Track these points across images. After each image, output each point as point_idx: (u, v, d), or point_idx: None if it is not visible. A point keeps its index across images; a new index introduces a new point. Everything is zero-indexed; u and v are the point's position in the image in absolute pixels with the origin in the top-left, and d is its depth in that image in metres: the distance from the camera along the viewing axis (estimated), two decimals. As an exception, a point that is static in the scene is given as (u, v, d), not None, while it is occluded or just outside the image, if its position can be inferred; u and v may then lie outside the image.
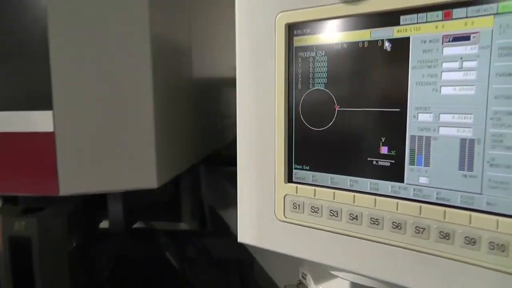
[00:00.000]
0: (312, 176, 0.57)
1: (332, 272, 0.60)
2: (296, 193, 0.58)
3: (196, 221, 1.37)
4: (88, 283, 1.00)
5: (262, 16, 0.59)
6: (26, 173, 0.76)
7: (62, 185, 0.75)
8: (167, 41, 0.87)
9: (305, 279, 0.68)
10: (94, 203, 0.96)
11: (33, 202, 0.86)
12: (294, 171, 0.59)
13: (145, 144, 0.77)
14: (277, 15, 0.58)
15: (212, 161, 1.21)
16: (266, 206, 0.61)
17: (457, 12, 0.46)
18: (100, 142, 0.76)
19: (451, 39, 0.46)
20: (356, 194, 0.53)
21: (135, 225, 1.13)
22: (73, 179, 0.75)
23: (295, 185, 0.58)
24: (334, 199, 0.54)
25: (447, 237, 0.47)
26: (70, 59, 0.74)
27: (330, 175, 0.56)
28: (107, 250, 1.31)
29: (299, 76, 0.57)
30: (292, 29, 0.58)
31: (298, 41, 0.57)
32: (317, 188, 0.56)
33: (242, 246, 1.01)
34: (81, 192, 0.77)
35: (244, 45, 0.62)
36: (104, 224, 1.02)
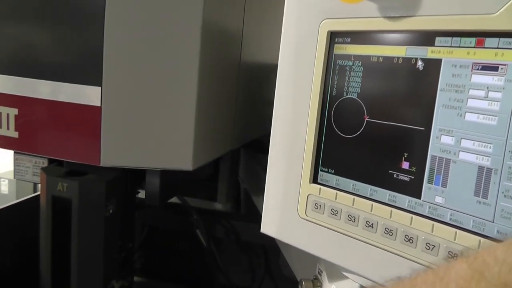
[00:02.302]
0: (336, 180, 0.60)
1: (344, 273, 0.64)
2: (319, 194, 0.61)
3: (230, 203, 1.42)
4: (122, 248, 1.06)
5: (307, 21, 0.62)
6: (72, 141, 0.82)
7: (103, 157, 0.80)
8: (219, 26, 0.90)
9: (320, 275, 0.72)
10: (134, 174, 1.01)
11: (77, 166, 0.91)
12: (319, 173, 0.61)
13: (185, 126, 0.81)
14: (321, 21, 0.60)
15: (253, 147, 1.25)
16: (290, 202, 0.64)
17: (489, 41, 0.48)
18: (142, 120, 0.80)
19: (480, 68, 0.48)
20: (374, 203, 0.55)
21: (171, 200, 1.17)
22: (114, 153, 0.80)
23: (319, 186, 0.61)
24: (353, 204, 0.57)
25: (455, 258, 0.49)
26: (122, 39, 0.78)
27: (352, 181, 0.58)
28: (141, 219, 1.38)
29: (335, 83, 0.60)
30: (333, 37, 0.60)
31: (338, 49, 0.60)
32: (338, 192, 0.59)
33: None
34: (120, 165, 0.82)
35: (288, 46, 0.65)
36: (142, 195, 1.07)
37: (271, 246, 1.24)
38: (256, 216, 1.24)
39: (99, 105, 0.79)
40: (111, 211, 0.94)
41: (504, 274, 0.26)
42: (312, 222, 0.62)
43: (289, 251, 1.03)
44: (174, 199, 1.22)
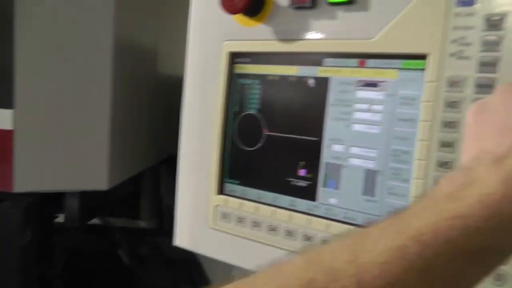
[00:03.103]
0: (241, 190, 0.65)
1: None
2: (226, 204, 0.66)
3: (154, 219, 1.42)
4: (41, 275, 1.03)
5: (210, 42, 0.67)
6: None
7: (16, 182, 0.78)
8: (132, 42, 0.91)
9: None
10: (51, 198, 0.97)
11: None
12: (225, 184, 0.66)
13: (99, 146, 0.81)
14: (223, 43, 0.66)
15: (173, 162, 1.26)
16: (200, 214, 0.68)
17: (370, 62, 0.55)
18: (56, 142, 0.80)
19: (363, 84, 0.56)
20: (276, 209, 0.61)
21: (92, 221, 1.16)
22: (28, 177, 0.79)
23: (225, 197, 0.66)
24: (257, 212, 0.63)
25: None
26: (34, 58, 0.77)
27: (256, 190, 0.64)
28: (61, 244, 1.34)
29: (237, 100, 0.65)
30: (234, 57, 0.66)
31: (238, 69, 0.65)
32: (243, 201, 0.64)
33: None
34: (34, 190, 0.81)
35: (193, 65, 0.70)
36: (61, 219, 1.04)
37: (195, 260, 1.25)
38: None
39: (11, 128, 0.78)
40: (28, 239, 0.92)
41: (328, 261, 0.32)
42: (221, 231, 0.66)
43: (208, 262, 1.06)
44: (96, 220, 1.21)
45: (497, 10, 0.48)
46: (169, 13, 1.11)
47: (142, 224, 1.38)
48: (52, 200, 0.98)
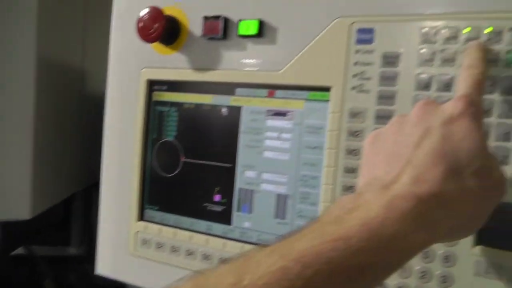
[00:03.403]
0: (160, 216, 0.66)
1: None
2: (146, 230, 0.66)
3: (84, 246, 1.38)
4: None
5: (129, 68, 0.68)
6: None
7: None
8: (56, 64, 0.89)
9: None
10: None
11: None
12: (145, 210, 0.67)
13: (20, 172, 0.78)
14: (141, 70, 0.67)
15: None
16: (121, 241, 0.69)
17: (278, 93, 0.58)
18: None
19: (273, 114, 0.59)
20: (193, 233, 0.63)
21: (16, 251, 1.11)
22: None
23: (145, 223, 0.67)
24: (175, 237, 0.64)
25: (262, 272, 0.59)
26: None
27: (174, 216, 0.65)
28: None
29: (155, 127, 0.67)
30: (152, 85, 0.67)
31: (156, 96, 0.66)
32: (162, 227, 0.65)
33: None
34: None
35: (113, 91, 0.70)
36: None
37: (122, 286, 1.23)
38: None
39: None
40: None
41: (214, 284, 0.34)
42: (142, 257, 0.67)
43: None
44: (21, 249, 1.15)
45: (393, 49, 0.52)
46: (97, 33, 1.09)
47: (72, 250, 1.34)
48: None
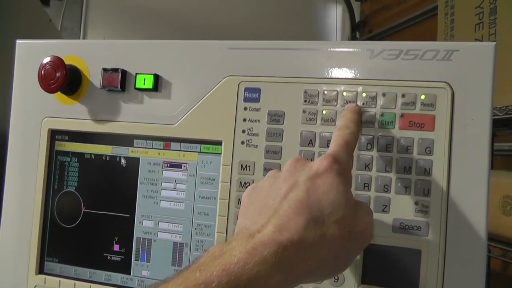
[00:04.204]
0: (60, 268, 0.64)
1: None
2: (45, 283, 0.64)
3: None
4: None
5: (31, 117, 0.67)
6: None
7: None
8: None
9: None
10: None
11: None
12: (45, 263, 0.65)
13: None
14: (43, 119, 0.66)
15: None
16: (20, 294, 0.66)
17: (174, 145, 0.59)
18: None
19: (169, 165, 0.59)
20: (93, 284, 0.62)
21: None
22: None
23: (44, 276, 0.65)
24: (75, 289, 0.63)
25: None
26: None
27: (74, 268, 0.64)
28: None
29: (57, 177, 0.65)
30: (54, 134, 0.66)
31: (58, 146, 0.65)
32: (62, 279, 0.64)
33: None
34: None
35: (15, 140, 0.68)
36: None
37: None
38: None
39: None
40: None
41: None
42: (40, 312, 0.65)
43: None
44: None
45: (278, 107, 0.54)
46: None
47: None
48: None
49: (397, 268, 0.51)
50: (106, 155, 0.63)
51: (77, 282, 0.63)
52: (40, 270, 0.66)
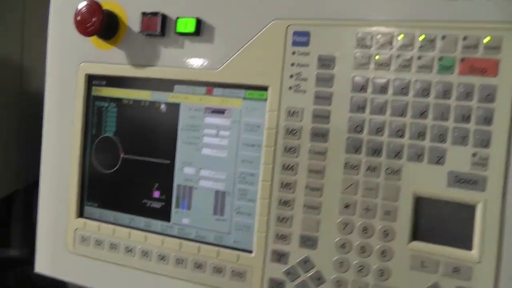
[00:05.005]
0: (99, 213, 0.63)
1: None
2: (85, 227, 0.63)
3: (25, 247, 1.31)
4: None
5: (68, 63, 0.64)
6: None
7: None
8: None
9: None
10: None
11: None
12: (84, 207, 0.64)
13: None
14: (79, 64, 0.63)
15: None
16: (60, 239, 0.65)
17: (216, 90, 0.56)
18: None
19: (211, 111, 0.57)
20: (132, 230, 0.60)
21: None
22: None
23: (84, 220, 0.63)
24: (114, 234, 0.61)
25: (200, 267, 0.57)
26: None
27: (113, 213, 0.62)
28: None
29: (95, 122, 0.63)
30: (91, 80, 0.63)
31: (95, 91, 0.63)
32: (101, 224, 0.62)
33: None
34: None
35: (52, 87, 0.66)
36: None
37: None
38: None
39: None
40: None
41: None
42: (81, 255, 0.64)
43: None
44: None
45: (328, 52, 0.51)
46: (36, 28, 1.02)
47: (13, 252, 1.27)
48: None
49: (450, 224, 0.48)
50: (145, 101, 0.60)
51: (117, 227, 0.61)
52: (80, 214, 0.64)
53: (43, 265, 0.68)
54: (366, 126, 0.49)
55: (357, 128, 0.50)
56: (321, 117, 0.51)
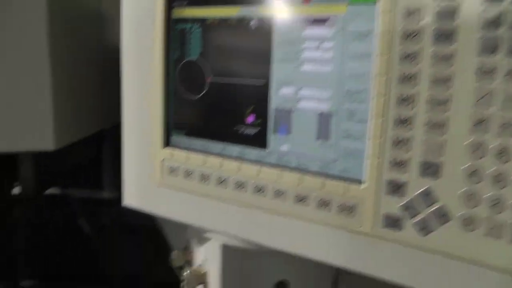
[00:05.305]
0: (187, 141, 0.57)
1: (206, 235, 0.63)
2: (172, 157, 0.58)
3: (116, 187, 1.31)
4: (2, 250, 0.94)
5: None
6: None
7: None
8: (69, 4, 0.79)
9: (191, 243, 0.70)
10: (3, 166, 0.91)
11: None
12: (171, 137, 0.59)
13: (41, 104, 0.70)
14: (157, -14, 0.57)
15: None
16: (146, 170, 0.61)
17: (315, -4, 0.48)
18: None
19: (310, 22, 0.49)
20: (224, 159, 0.54)
21: (49, 192, 1.07)
22: None
23: (171, 149, 0.58)
24: (205, 164, 0.55)
25: (303, 200, 0.50)
26: None
27: (203, 141, 0.56)
28: (20, 217, 1.23)
29: (176, 46, 0.57)
30: (170, 1, 0.57)
31: (176, 12, 0.57)
32: (190, 153, 0.57)
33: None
34: None
35: (129, 12, 0.61)
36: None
37: (160, 226, 1.17)
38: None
39: None
40: None
41: None
42: (169, 187, 0.59)
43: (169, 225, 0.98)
44: (54, 190, 1.12)
45: None
46: None
47: (105, 194, 1.28)
48: (5, 171, 0.88)
49: None
50: (232, 18, 0.53)
51: (207, 157, 0.55)
52: (166, 143, 0.59)
53: (130, 198, 0.64)
54: (505, 19, 0.40)
55: (493, 22, 0.40)
56: (446, 13, 0.42)
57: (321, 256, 0.50)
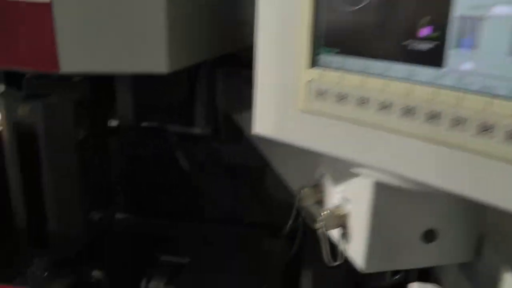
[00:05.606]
0: (341, 61, 0.49)
1: (354, 171, 0.55)
2: (321, 79, 0.50)
3: (209, 126, 1.31)
4: (97, 178, 0.95)
5: None
6: (25, 45, 0.65)
7: (62, 62, 0.63)
8: None
9: (322, 180, 0.63)
10: (102, 97, 0.90)
11: (39, 88, 0.77)
12: (320, 56, 0.50)
13: (156, 23, 0.66)
14: None
15: (230, 63, 1.12)
16: (287, 94, 0.53)
17: None
18: (103, 17, 0.64)
19: None
20: (388, 81, 0.45)
21: (146, 124, 1.08)
22: (75, 56, 0.64)
23: (320, 70, 0.50)
24: (363, 86, 0.47)
25: (489, 131, 0.40)
26: None
27: (361, 60, 0.47)
28: (117, 147, 1.25)
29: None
30: None
31: None
32: (345, 74, 0.48)
33: (254, 153, 0.95)
34: (84, 70, 0.66)
35: None
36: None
37: (256, 166, 1.14)
38: (238, 137, 1.14)
39: (48, 1, 0.61)
40: (82, 135, 0.83)
41: None
42: (315, 113, 0.51)
43: (282, 163, 0.92)
44: (149, 124, 1.12)
45: None
46: None
47: (196, 130, 1.25)
48: (105, 98, 0.89)
49: None
50: None
51: (367, 78, 0.46)
52: (314, 63, 0.51)
53: (264, 126, 0.57)
54: None
55: None
56: None
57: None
